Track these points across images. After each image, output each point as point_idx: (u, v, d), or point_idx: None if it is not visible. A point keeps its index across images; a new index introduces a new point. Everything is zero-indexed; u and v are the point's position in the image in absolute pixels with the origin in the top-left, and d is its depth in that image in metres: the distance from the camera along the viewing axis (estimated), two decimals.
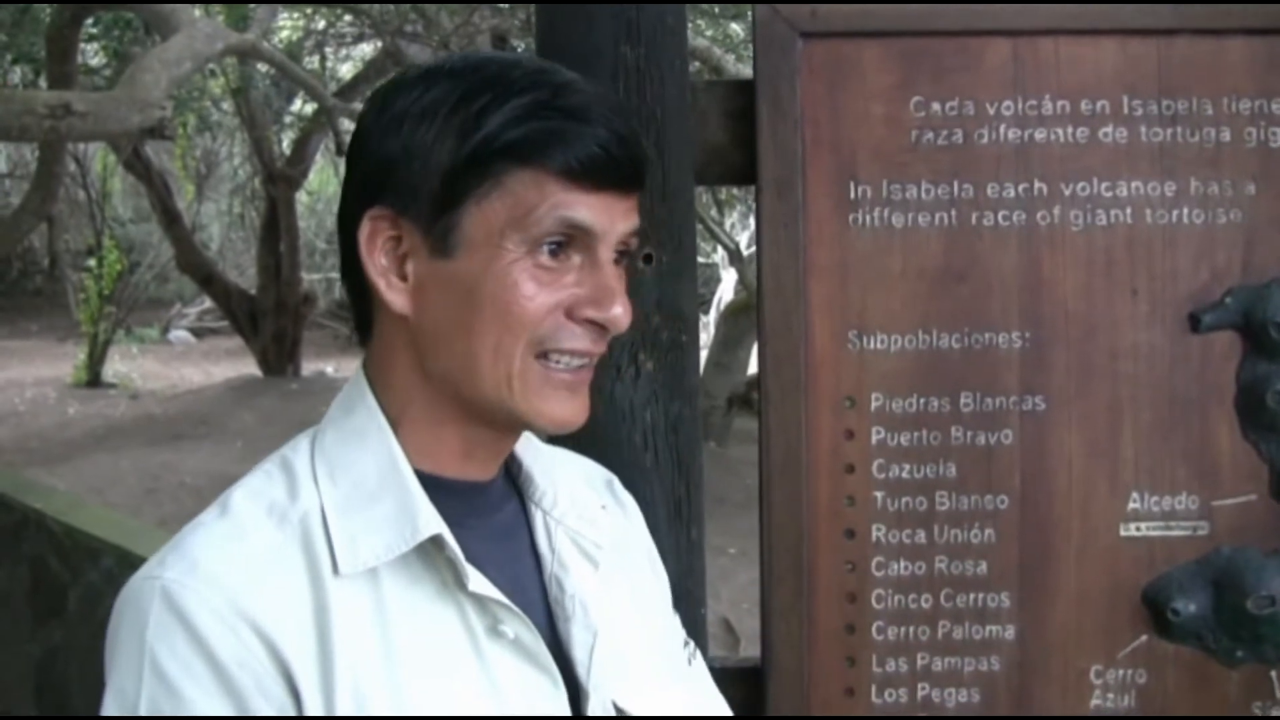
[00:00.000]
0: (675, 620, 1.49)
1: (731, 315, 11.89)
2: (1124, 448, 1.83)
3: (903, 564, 1.84)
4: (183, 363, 17.83)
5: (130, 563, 4.97)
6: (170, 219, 14.37)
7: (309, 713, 1.10)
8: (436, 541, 1.17)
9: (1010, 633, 1.84)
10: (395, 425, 1.22)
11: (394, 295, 1.19)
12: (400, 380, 1.23)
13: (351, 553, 1.15)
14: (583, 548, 1.32)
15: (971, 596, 1.83)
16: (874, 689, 1.86)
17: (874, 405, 1.84)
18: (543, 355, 1.18)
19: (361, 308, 1.25)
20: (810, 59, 1.83)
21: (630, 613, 1.36)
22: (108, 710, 1.10)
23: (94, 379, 15.23)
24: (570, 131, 1.15)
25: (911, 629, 1.85)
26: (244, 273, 17.33)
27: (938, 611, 1.85)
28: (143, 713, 1.08)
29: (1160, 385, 1.83)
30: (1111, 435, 1.83)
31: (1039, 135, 1.82)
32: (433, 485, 1.21)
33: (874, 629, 1.85)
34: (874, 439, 1.84)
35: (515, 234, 1.15)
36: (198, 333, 20.56)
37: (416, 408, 1.23)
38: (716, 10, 10.96)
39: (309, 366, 15.61)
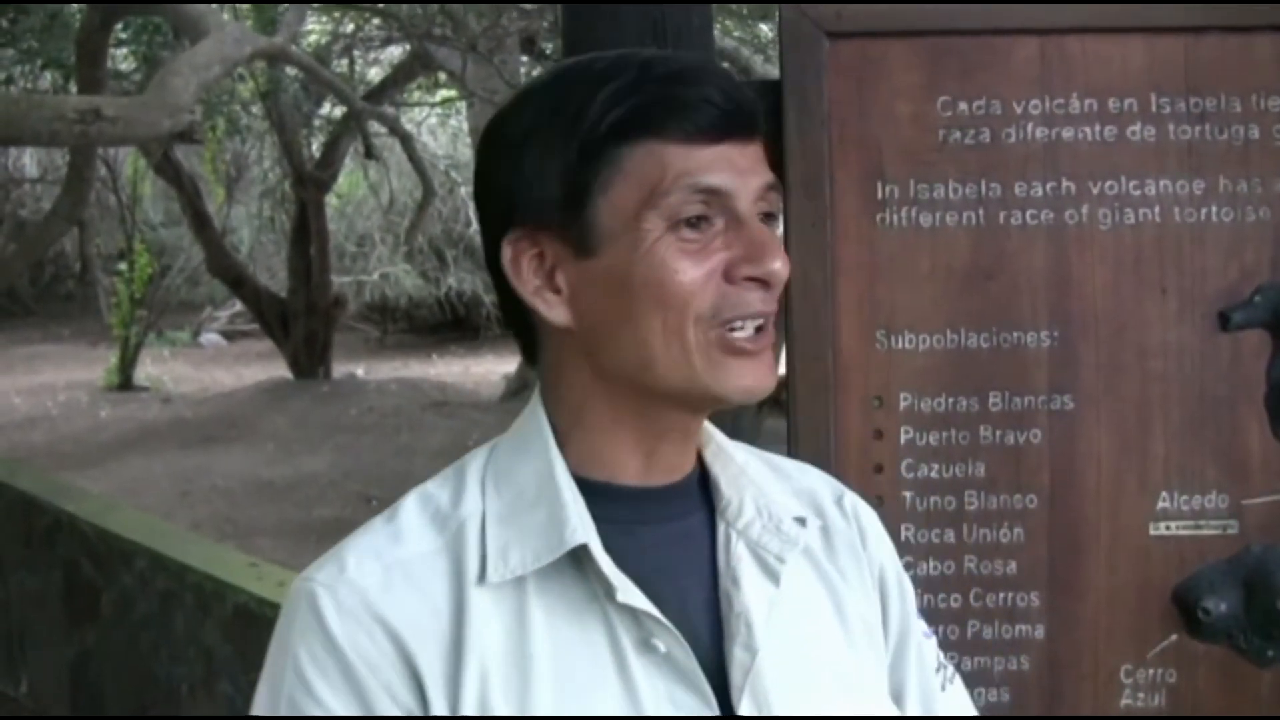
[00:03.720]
0: (919, 646, 1.38)
1: None
2: (1153, 446, 1.83)
3: (932, 563, 1.84)
4: (214, 365, 17.93)
5: (163, 565, 5.00)
6: (201, 223, 14.42)
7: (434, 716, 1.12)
8: (590, 551, 1.16)
9: (1040, 632, 1.84)
10: (565, 435, 1.22)
11: (553, 312, 1.19)
12: (571, 391, 1.22)
13: (502, 561, 1.16)
14: (764, 561, 1.25)
15: (1001, 596, 1.83)
16: None
17: (902, 405, 1.84)
18: (722, 325, 1.16)
19: (524, 333, 1.26)
20: (836, 59, 1.83)
21: (828, 629, 1.29)
22: (258, 701, 1.16)
23: (126, 382, 15.34)
24: (667, 95, 1.15)
25: (941, 628, 1.84)
26: (274, 276, 17.37)
27: (967, 611, 1.84)
28: (283, 709, 1.13)
29: (1189, 384, 1.82)
30: (1141, 434, 1.83)
31: (1066, 134, 1.82)
32: (601, 492, 1.20)
33: None
34: (903, 438, 1.84)
35: (650, 212, 1.14)
36: (229, 336, 20.68)
37: (593, 415, 1.22)
38: (745, 11, 10.95)
39: (340, 369, 15.65)
